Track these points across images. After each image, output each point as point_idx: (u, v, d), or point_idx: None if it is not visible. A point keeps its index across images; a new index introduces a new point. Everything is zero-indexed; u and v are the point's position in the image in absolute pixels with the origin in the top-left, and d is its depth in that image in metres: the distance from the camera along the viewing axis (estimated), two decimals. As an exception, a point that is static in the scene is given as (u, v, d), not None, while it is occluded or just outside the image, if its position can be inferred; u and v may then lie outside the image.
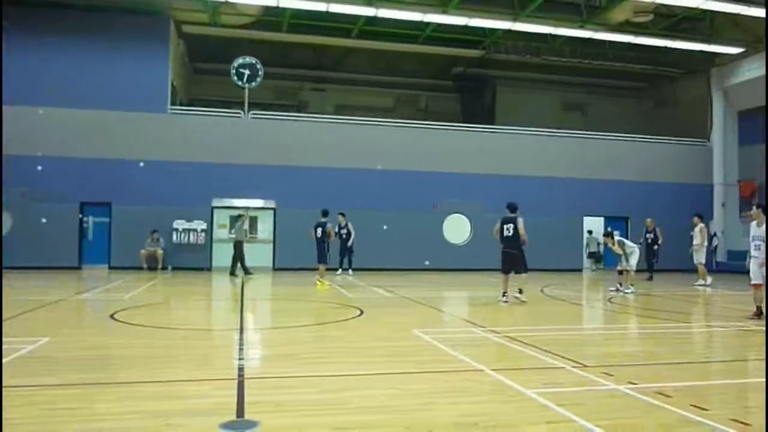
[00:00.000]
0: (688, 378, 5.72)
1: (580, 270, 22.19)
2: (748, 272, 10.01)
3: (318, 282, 14.94)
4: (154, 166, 19.80)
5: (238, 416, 4.14)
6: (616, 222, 22.78)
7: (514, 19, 20.08)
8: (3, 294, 10.02)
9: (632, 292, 13.93)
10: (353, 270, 18.87)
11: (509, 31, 21.40)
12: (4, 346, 5.94)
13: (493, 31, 22.26)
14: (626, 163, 23.84)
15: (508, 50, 24.11)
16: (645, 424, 4.22)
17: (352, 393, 4.93)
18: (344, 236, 18.82)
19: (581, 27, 21.05)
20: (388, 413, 4.39)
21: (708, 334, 9.08)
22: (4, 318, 7.89)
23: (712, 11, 20.30)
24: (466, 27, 20.78)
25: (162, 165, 19.82)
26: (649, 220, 18.80)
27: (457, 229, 22.08)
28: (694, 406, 4.56)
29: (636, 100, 29.58)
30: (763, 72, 22.73)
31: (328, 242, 15.78)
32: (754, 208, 10.01)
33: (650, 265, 18.28)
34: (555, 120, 26.12)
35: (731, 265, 22.86)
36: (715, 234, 23.97)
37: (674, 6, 19.73)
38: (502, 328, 8.42)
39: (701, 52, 23.28)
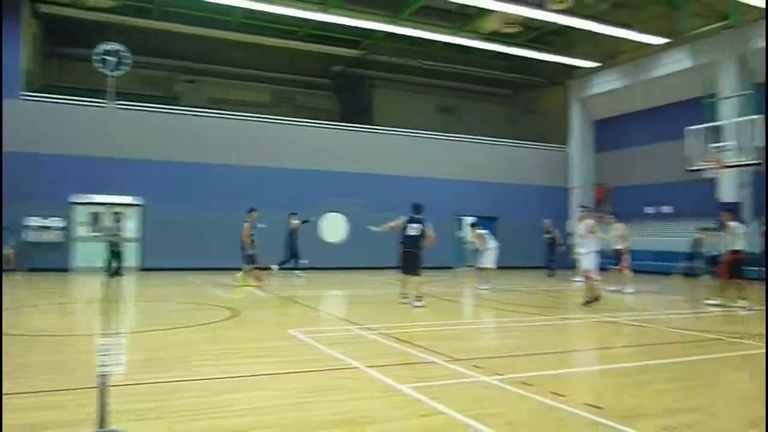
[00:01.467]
0: (548, 367, 6.12)
1: (453, 268, 23.05)
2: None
3: (241, 281, 14.51)
4: (4, 157, 18.01)
5: (99, 427, 3.86)
6: (486, 222, 23.92)
7: (393, 22, 20.48)
8: None
9: (489, 289, 14.58)
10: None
11: (388, 33, 21.80)
12: None
13: (372, 32, 22.57)
14: (495, 166, 25.17)
15: (387, 52, 24.58)
16: (510, 412, 4.45)
17: (225, 396, 4.78)
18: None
19: (455, 34, 21.89)
20: (262, 415, 4.30)
21: (565, 326, 9.76)
22: None
23: (571, 27, 21.89)
24: (345, 26, 20.89)
25: (13, 156, 18.05)
26: (546, 222, 19.86)
27: (334, 227, 22.14)
28: (554, 393, 4.89)
29: (504, 107, 31.25)
30: (616, 86, 24.95)
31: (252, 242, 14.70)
32: (581, 209, 11.33)
33: (549, 264, 19.51)
34: (430, 122, 26.96)
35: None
36: (570, 233, 25.89)
37: (538, 20, 21.04)
38: (377, 325, 8.55)
39: (561, 64, 25.05)
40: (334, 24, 20.67)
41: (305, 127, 22.66)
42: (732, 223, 12.27)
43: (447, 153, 24.53)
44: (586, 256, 11.48)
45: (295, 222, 17.49)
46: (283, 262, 17.18)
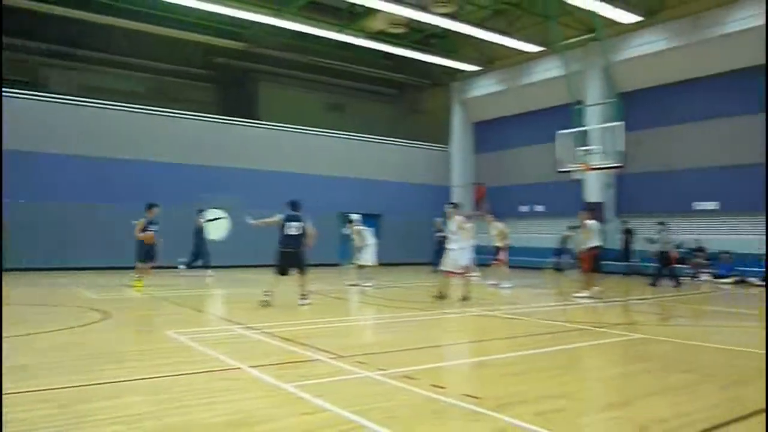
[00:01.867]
0: (429, 361, 6.29)
1: (337, 265, 23.09)
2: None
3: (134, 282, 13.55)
4: None
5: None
6: (370, 219, 24.17)
7: (278, 16, 20.14)
8: None
9: (372, 286, 14.79)
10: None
11: (273, 26, 21.41)
12: None
13: (257, 24, 22.05)
14: (380, 164, 25.54)
15: (272, 46, 24.15)
16: (393, 406, 4.52)
17: (97, 404, 4.46)
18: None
19: (341, 31, 21.92)
20: (139, 422, 4.06)
21: (446, 321, 10.07)
22: None
23: (454, 31, 22.64)
24: (228, 17, 20.27)
25: None
26: (438, 220, 20.07)
27: (215, 224, 21.38)
28: (434, 385, 5.03)
29: (390, 106, 31.76)
30: (495, 89, 26.13)
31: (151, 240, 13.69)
32: (450, 206, 11.75)
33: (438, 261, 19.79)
34: (317, 119, 26.84)
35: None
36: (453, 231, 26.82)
37: (423, 22, 21.57)
38: (260, 325, 8.37)
39: (445, 66, 25.86)
40: (217, 14, 20.00)
41: (185, 119, 21.75)
42: (589, 222, 13.33)
43: (333, 150, 24.57)
44: (458, 252, 11.76)
45: (201, 220, 17.16)
46: (191, 262, 17.02)
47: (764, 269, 16.83)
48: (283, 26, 21.00)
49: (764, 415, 4.37)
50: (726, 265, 17.82)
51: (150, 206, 13.73)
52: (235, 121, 22.99)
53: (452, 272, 11.76)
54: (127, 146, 20.14)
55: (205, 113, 22.78)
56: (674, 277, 16.02)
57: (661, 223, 16.61)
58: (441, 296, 11.71)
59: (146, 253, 13.53)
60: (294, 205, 11.07)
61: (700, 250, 18.70)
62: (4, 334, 8.03)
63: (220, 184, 21.33)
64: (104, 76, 24.57)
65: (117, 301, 11.33)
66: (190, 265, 17.43)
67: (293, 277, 10.96)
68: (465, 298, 11.66)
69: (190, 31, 22.71)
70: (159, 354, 6.47)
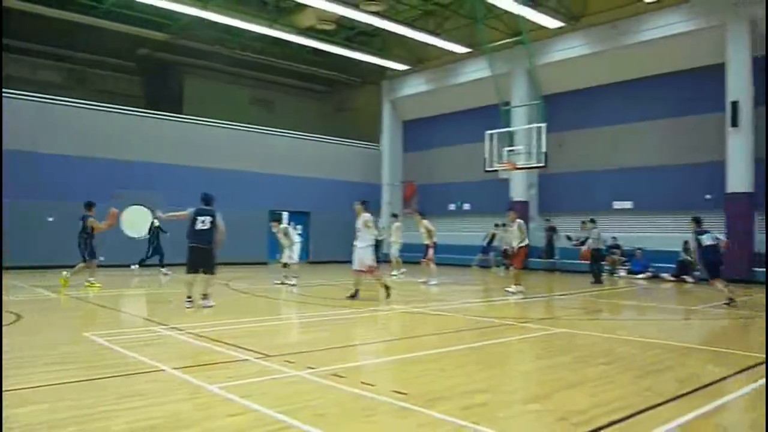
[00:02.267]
0: (358, 358, 6.30)
1: (266, 263, 22.77)
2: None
3: (87, 282, 13.00)
4: None
5: None
6: (299, 216, 23.96)
7: (204, 7, 19.59)
8: None
9: (295, 284, 14.70)
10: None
11: (200, 18, 20.83)
12: None
13: (182, 15, 21.39)
14: (310, 161, 25.33)
15: (199, 38, 23.49)
16: (322, 404, 4.49)
17: (14, 411, 4.20)
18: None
19: (270, 26, 21.59)
20: (57, 429, 3.86)
21: (375, 318, 10.12)
22: None
23: (384, 29, 22.74)
24: (152, 7, 19.55)
25: None
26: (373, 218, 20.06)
27: (137, 221, 20.64)
28: (364, 382, 5.04)
29: (320, 103, 31.59)
30: (424, 89, 26.44)
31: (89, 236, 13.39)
32: (358, 203, 11.91)
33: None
34: (243, 114, 26.33)
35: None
36: (384, 227, 26.97)
37: (353, 19, 21.55)
38: (185, 325, 8.14)
39: (375, 64, 25.94)
40: (141, 3, 19.26)
41: (106, 111, 20.78)
42: (518, 221, 13.82)
43: (261, 146, 24.16)
44: (362, 250, 11.63)
45: (157, 220, 17.50)
46: (144, 260, 17.87)
47: (674, 265, 17.85)
48: (210, 18, 20.47)
49: (677, 402, 4.63)
50: (640, 262, 18.76)
51: (90, 204, 13.69)
52: (159, 114, 22.20)
53: (361, 270, 11.65)
54: (43, 139, 19.07)
55: (128, 106, 21.86)
56: (598, 272, 16.83)
57: (592, 221, 17.36)
58: (353, 295, 11.65)
59: (92, 251, 13.36)
60: (206, 198, 10.48)
61: (617, 247, 19.60)
62: None
63: (142, 179, 20.57)
64: (19, 65, 23.22)
65: (30, 303, 10.73)
66: (143, 263, 18.10)
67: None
68: (387, 296, 11.61)
69: (113, 20, 21.76)
70: (76, 357, 6.17)
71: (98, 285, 13.06)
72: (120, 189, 20.07)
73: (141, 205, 20.61)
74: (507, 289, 13.43)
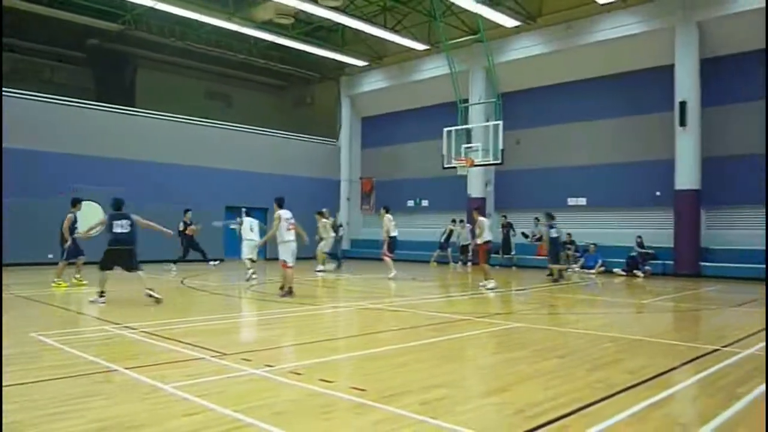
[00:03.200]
0: (316, 355, 6.26)
1: (222, 260, 22.41)
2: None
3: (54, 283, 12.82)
4: None
5: None
6: (257, 213, 23.63)
7: (159, -1, 19.16)
8: None
9: (254, 280, 14.58)
10: None
11: (153, 9, 20.33)
12: None
13: (134, 5, 20.85)
14: (267, 156, 25.03)
15: (152, 30, 22.92)
16: (279, 402, 4.46)
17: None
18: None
19: (228, 19, 21.23)
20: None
21: (333, 315, 10.10)
22: None
23: (343, 25, 22.64)
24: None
25: None
26: (324, 210, 19.59)
27: (88, 218, 19.99)
28: (322, 380, 5.02)
29: (278, 97, 31.27)
30: (383, 85, 26.46)
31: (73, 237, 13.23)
32: (275, 201, 12.39)
33: (334, 255, 19.53)
34: (199, 108, 25.84)
35: (354, 252, 26.08)
36: (341, 225, 26.87)
37: (312, 14, 21.38)
38: (138, 324, 7.96)
39: (334, 60, 25.81)
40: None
41: (54, 104, 20.10)
42: (481, 218, 14.04)
43: (218, 141, 23.76)
44: (284, 245, 11.71)
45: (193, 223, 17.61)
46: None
47: (625, 261, 18.34)
48: (165, 10, 20.02)
49: (627, 392, 4.76)
50: (593, 257, 19.20)
51: (77, 201, 13.58)
52: (111, 107, 21.57)
53: (285, 265, 11.66)
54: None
55: (78, 98, 21.17)
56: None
57: (551, 216, 17.60)
58: (282, 288, 11.68)
59: (77, 250, 13.22)
60: (116, 203, 10.82)
61: (572, 242, 20.01)
62: None
63: (94, 174, 19.97)
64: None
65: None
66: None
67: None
68: (289, 291, 11.52)
69: (63, 9, 21.05)
70: (25, 358, 5.95)
71: (65, 285, 12.84)
72: (72, 184, 19.47)
73: (92, 201, 20.01)
74: (480, 284, 13.58)
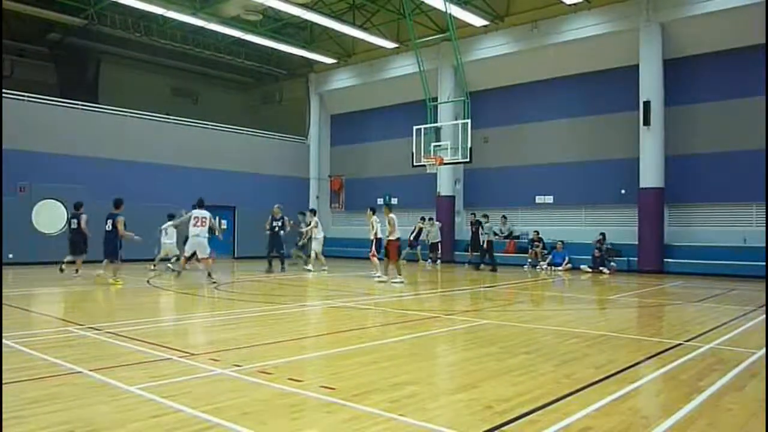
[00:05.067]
0: (285, 355, 6.22)
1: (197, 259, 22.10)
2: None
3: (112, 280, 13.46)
4: None
5: None
6: (225, 211, 23.42)
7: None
8: None
9: (215, 281, 14.54)
10: None
11: (117, 3, 19.93)
12: None
13: (98, 0, 20.42)
14: (235, 155, 24.74)
15: (116, 24, 22.45)
16: (247, 402, 4.41)
17: None
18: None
19: (194, 14, 20.94)
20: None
21: (302, 314, 10.05)
22: None
23: (312, 22, 22.51)
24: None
25: None
26: (276, 207, 19.01)
27: (50, 217, 19.57)
28: (291, 379, 4.99)
29: (245, 95, 30.96)
30: (352, 83, 26.38)
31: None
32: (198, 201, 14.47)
33: (272, 252, 19.20)
34: (165, 104, 25.44)
35: (325, 251, 25.90)
36: (310, 223, 26.69)
37: (280, 11, 21.22)
38: (103, 324, 7.80)
39: (302, 57, 25.66)
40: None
41: (14, 100, 19.55)
42: (392, 215, 14.75)
43: (184, 138, 23.42)
44: (191, 239, 13.75)
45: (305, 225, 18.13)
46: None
47: (591, 257, 18.65)
48: (128, 4, 19.65)
49: (593, 387, 4.84)
50: (560, 254, 19.48)
51: (120, 202, 14.02)
52: (74, 103, 21.08)
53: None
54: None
55: (40, 94, 20.60)
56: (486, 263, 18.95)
57: (485, 216, 18.62)
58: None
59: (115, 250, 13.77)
60: (75, 206, 14.40)
61: (539, 240, 20.28)
62: None
63: (56, 172, 19.51)
64: None
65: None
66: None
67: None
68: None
69: (24, 3, 20.48)
70: (-19, 361, 5.78)
71: (120, 283, 13.28)
72: (33, 183, 19.01)
73: (53, 199, 19.58)
74: (394, 281, 14.24)
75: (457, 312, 9.84)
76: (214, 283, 13.61)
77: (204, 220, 13.85)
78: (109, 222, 13.45)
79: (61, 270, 14.66)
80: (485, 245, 19.11)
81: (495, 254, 19.62)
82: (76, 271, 14.58)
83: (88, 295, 11.41)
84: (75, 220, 14.82)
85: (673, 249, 18.42)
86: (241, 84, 30.39)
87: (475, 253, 20.97)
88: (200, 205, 14.26)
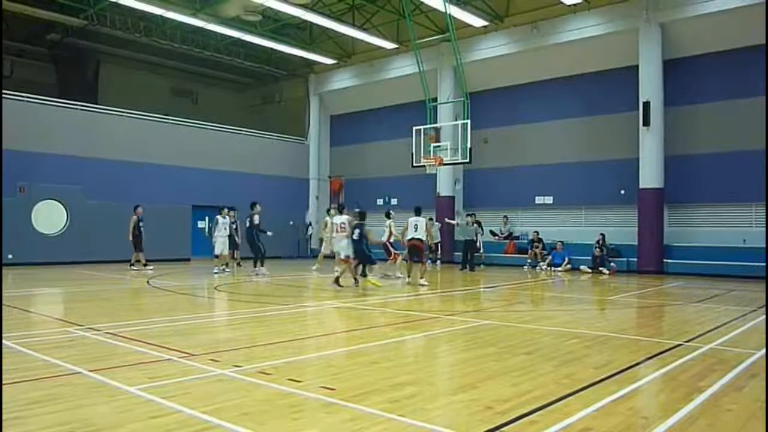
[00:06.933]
0: (285, 355, 6.22)
1: (189, 260, 22.14)
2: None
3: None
4: None
5: None
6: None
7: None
8: None
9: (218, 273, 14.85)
10: None
11: (117, 4, 19.92)
12: None
13: (97, 0, 20.41)
14: (234, 155, 24.72)
15: (116, 25, 22.43)
16: (247, 403, 4.41)
17: None
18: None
19: (194, 15, 20.93)
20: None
21: (302, 314, 10.04)
22: None
23: (311, 23, 22.50)
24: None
25: None
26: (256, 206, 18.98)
27: (50, 217, 19.57)
28: (291, 379, 4.98)
29: (245, 95, 30.94)
30: (352, 84, 26.37)
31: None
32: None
33: (253, 251, 19.23)
34: (164, 105, 25.42)
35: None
36: (310, 223, 26.77)
37: (280, 11, 21.22)
38: (102, 325, 7.80)
39: (302, 57, 25.65)
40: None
41: (13, 100, 19.54)
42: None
43: (184, 139, 23.41)
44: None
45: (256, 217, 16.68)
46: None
47: (590, 257, 18.65)
48: (128, 5, 19.64)
49: (593, 388, 4.84)
50: (560, 254, 19.48)
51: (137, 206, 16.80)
52: (74, 104, 21.08)
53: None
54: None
55: (39, 94, 20.58)
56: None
57: (471, 215, 18.86)
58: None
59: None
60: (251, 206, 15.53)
61: (539, 240, 20.27)
62: None
63: (56, 172, 19.51)
64: None
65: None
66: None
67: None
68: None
69: (24, 3, 20.46)
70: (-19, 361, 5.78)
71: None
72: (33, 183, 19.01)
73: (53, 199, 19.57)
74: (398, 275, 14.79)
75: (457, 312, 9.83)
76: (341, 287, 12.94)
77: (343, 226, 14.45)
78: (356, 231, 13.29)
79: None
80: (465, 245, 19.42)
81: (484, 254, 20.03)
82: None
83: (89, 295, 11.40)
84: (248, 220, 16.25)
85: (673, 249, 18.42)
86: (240, 84, 30.38)
87: (475, 254, 20.97)
88: (340, 211, 15.33)
